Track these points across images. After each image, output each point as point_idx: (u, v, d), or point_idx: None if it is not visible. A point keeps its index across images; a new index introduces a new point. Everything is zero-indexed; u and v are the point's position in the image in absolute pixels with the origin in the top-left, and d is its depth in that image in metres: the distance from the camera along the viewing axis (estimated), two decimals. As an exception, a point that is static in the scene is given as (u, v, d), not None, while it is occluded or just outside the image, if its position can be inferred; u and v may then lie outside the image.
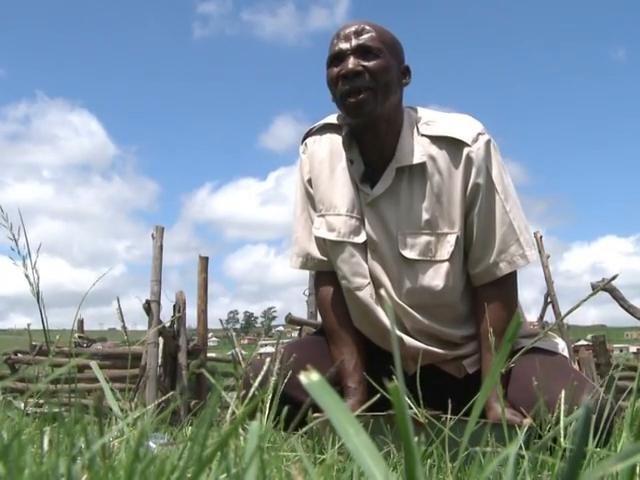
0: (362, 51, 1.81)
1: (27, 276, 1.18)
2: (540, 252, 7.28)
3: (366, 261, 1.94)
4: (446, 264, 1.87)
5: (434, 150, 1.86)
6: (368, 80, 1.79)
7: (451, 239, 1.86)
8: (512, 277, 1.92)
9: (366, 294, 1.94)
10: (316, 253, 2.05)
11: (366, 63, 1.80)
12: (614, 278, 1.56)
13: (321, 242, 2.02)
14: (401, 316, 1.92)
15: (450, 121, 1.90)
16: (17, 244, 1.18)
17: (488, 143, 1.86)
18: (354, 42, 1.82)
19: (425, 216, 1.86)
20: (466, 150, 1.84)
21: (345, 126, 1.93)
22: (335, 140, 1.98)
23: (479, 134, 1.86)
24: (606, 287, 6.36)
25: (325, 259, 2.04)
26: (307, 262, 2.08)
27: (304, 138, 2.07)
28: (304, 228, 2.07)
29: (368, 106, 1.80)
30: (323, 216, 1.99)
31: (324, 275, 2.07)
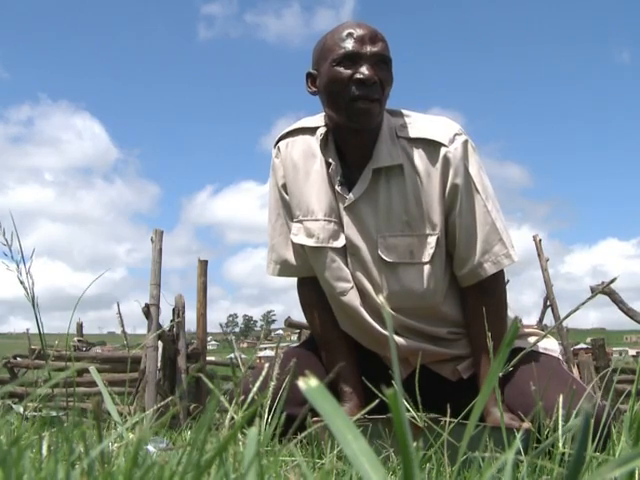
0: (377, 60, 1.79)
1: (22, 282, 1.17)
2: (539, 255, 7.28)
3: (347, 265, 1.91)
4: (427, 266, 1.85)
5: (411, 152, 1.84)
6: (379, 91, 1.78)
7: (432, 241, 1.84)
8: (499, 277, 1.90)
9: (351, 298, 1.91)
10: (294, 259, 2.01)
11: (380, 73, 1.78)
12: (613, 281, 1.56)
13: (299, 248, 1.98)
14: (386, 317, 1.90)
15: (427, 122, 1.89)
16: (11, 249, 1.17)
17: (465, 143, 1.85)
18: (370, 48, 1.78)
19: (404, 218, 1.84)
20: (443, 151, 1.82)
21: (322, 127, 1.91)
22: (308, 142, 1.95)
23: (456, 134, 1.84)
24: (605, 290, 6.36)
25: (304, 265, 2.00)
26: (285, 269, 2.04)
27: (276, 142, 2.03)
28: (280, 234, 2.04)
29: (374, 116, 1.80)
30: (301, 222, 1.95)
31: (306, 281, 2.04)
